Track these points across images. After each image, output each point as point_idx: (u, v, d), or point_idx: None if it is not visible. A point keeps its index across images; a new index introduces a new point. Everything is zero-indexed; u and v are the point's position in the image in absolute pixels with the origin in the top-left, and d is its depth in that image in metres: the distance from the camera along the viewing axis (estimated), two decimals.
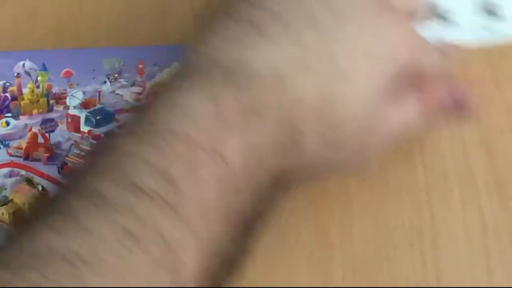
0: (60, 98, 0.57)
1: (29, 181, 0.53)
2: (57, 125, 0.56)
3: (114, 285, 0.37)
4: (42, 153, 0.54)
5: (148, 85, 0.57)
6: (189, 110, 0.40)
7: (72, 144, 0.55)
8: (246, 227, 0.42)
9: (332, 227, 0.55)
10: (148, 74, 0.57)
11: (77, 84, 0.57)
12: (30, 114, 0.56)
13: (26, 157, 0.54)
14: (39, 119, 0.56)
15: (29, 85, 0.58)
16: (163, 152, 0.39)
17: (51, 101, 0.57)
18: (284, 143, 0.42)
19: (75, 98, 0.57)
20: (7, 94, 0.57)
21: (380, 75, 0.44)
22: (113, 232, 0.38)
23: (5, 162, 0.54)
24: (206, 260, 0.39)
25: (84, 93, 0.57)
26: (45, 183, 0.53)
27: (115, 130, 0.56)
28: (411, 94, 0.47)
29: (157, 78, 0.57)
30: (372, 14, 0.45)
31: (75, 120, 0.56)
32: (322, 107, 0.42)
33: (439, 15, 0.60)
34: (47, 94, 0.57)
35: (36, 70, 0.58)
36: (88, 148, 0.54)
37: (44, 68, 0.58)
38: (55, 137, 0.55)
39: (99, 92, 0.57)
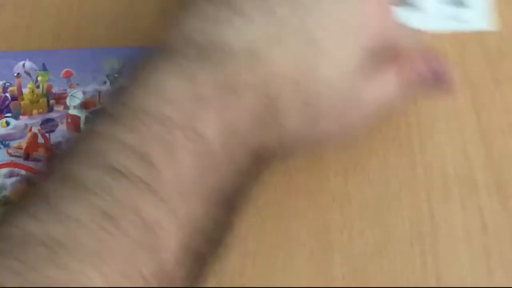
0: (60, 98, 0.57)
1: (29, 181, 0.53)
2: (57, 125, 0.56)
3: (94, 268, 0.37)
4: (42, 153, 0.54)
5: None
6: (164, 90, 0.40)
7: None
8: (228, 204, 0.42)
9: (332, 227, 0.55)
10: None
11: (77, 84, 0.57)
12: (30, 114, 0.56)
13: (26, 157, 0.54)
14: (39, 119, 0.56)
15: (29, 85, 0.58)
16: (139, 133, 0.39)
17: (51, 101, 0.57)
18: (263, 118, 0.42)
19: (75, 98, 0.57)
20: (7, 94, 0.57)
21: (355, 47, 0.44)
22: (91, 215, 0.37)
23: (5, 162, 0.54)
24: (187, 239, 0.39)
25: (84, 93, 0.57)
26: None
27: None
28: (389, 67, 0.47)
29: None
30: None
31: (75, 120, 0.56)
32: (299, 81, 0.42)
33: (407, 2, 0.60)
34: (47, 94, 0.57)
35: (36, 70, 0.58)
36: None
37: (44, 68, 0.58)
38: (55, 137, 0.55)
39: (99, 92, 0.57)
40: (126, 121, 0.40)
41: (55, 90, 0.57)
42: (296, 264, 0.54)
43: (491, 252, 0.54)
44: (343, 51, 0.44)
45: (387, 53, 0.46)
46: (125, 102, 0.41)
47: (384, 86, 0.47)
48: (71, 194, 0.38)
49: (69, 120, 0.56)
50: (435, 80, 0.49)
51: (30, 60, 0.59)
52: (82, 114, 0.55)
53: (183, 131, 0.39)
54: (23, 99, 0.57)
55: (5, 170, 0.54)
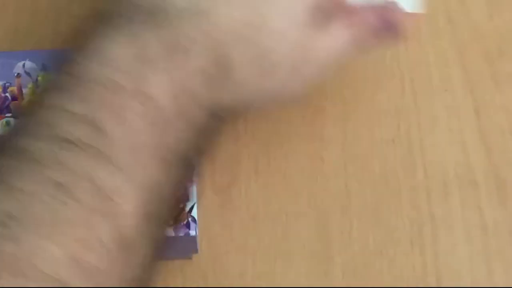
0: None
1: None
2: None
3: (51, 239, 0.36)
4: None
5: None
6: (110, 56, 0.40)
7: None
8: (184, 164, 0.42)
9: (332, 227, 0.55)
10: None
11: None
12: None
13: None
14: None
15: (30, 85, 0.58)
16: (88, 101, 0.39)
17: None
18: (214, 75, 0.41)
19: None
20: (7, 94, 0.57)
21: (303, 0, 0.44)
22: (43, 187, 0.37)
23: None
24: (145, 202, 0.39)
25: None
26: None
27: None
28: (340, 19, 0.47)
29: None
30: None
31: None
32: (248, 35, 0.42)
33: None
34: None
35: (36, 70, 0.58)
36: None
37: (44, 68, 0.58)
38: None
39: None
40: (74, 90, 0.40)
41: None
42: (296, 264, 0.54)
43: (491, 252, 0.54)
44: (290, 4, 0.44)
45: (337, 6, 0.46)
46: (71, 72, 0.40)
47: (336, 38, 0.46)
48: (22, 168, 0.38)
49: None
50: (387, 30, 0.49)
51: (30, 60, 0.59)
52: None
53: (133, 95, 0.39)
54: (23, 99, 0.57)
55: None
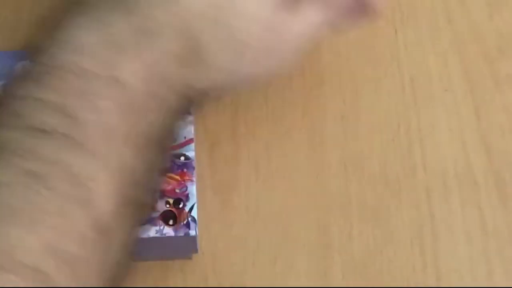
0: None
1: None
2: None
3: (26, 229, 0.36)
4: None
5: None
6: (79, 42, 0.40)
7: None
8: (158, 146, 0.42)
9: (332, 227, 0.55)
10: None
11: None
12: None
13: None
14: None
15: None
16: (59, 89, 0.39)
17: None
18: (186, 57, 0.41)
19: None
20: None
21: None
22: (18, 177, 0.37)
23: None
24: (121, 187, 0.39)
25: None
26: None
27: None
28: (311, 0, 0.47)
29: None
30: None
31: None
32: (217, 16, 0.42)
33: None
34: None
35: None
36: None
37: None
38: None
39: None
40: (45, 80, 0.40)
41: None
42: (296, 264, 0.54)
43: (491, 252, 0.54)
44: None
45: None
46: (42, 62, 0.41)
47: (308, 18, 0.46)
48: None
49: None
50: (359, 10, 0.49)
51: (30, 60, 0.59)
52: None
53: (104, 81, 0.39)
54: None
55: None
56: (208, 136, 0.58)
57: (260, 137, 0.58)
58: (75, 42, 0.40)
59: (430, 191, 0.56)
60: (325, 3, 0.47)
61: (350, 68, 0.61)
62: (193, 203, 0.51)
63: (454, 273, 0.53)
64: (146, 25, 0.41)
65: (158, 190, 0.44)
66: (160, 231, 0.50)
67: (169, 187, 0.52)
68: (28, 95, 0.39)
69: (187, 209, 0.51)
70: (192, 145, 0.54)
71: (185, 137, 0.54)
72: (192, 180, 0.52)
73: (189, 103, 0.43)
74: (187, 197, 0.52)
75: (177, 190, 0.52)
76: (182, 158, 0.53)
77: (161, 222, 0.51)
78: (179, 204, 0.51)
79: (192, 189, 0.52)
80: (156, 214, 0.51)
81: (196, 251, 0.52)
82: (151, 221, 0.51)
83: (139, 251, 0.52)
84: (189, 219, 0.51)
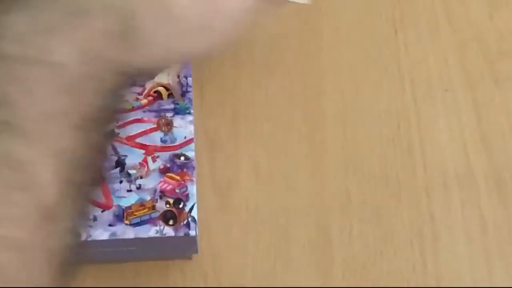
0: None
1: None
2: None
3: None
4: None
5: (148, 85, 0.57)
6: (11, 28, 0.40)
7: None
8: (97, 126, 0.42)
9: (332, 227, 0.55)
10: None
11: None
12: None
13: None
14: None
15: None
16: None
17: None
18: (119, 34, 0.41)
19: None
20: None
21: None
22: None
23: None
24: (62, 170, 0.39)
25: None
26: None
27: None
28: None
29: (157, 78, 0.57)
30: None
31: None
32: None
33: None
34: None
35: None
36: None
37: None
38: None
39: None
40: None
41: None
42: (296, 264, 0.54)
43: (491, 252, 0.54)
44: None
45: None
46: None
47: None
48: None
49: None
50: None
51: None
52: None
53: (39, 66, 0.39)
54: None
55: None
56: (208, 136, 0.58)
57: (260, 137, 0.58)
58: (7, 28, 0.40)
59: (430, 191, 0.56)
60: None
61: (350, 68, 0.61)
62: (193, 203, 0.51)
63: (454, 273, 0.53)
64: (77, 5, 0.41)
65: (102, 170, 0.44)
66: (160, 231, 0.50)
67: (169, 187, 0.52)
68: None
69: (187, 209, 0.51)
70: (192, 145, 0.54)
71: (185, 137, 0.54)
72: (192, 180, 0.52)
73: (129, 82, 0.43)
74: (187, 197, 0.52)
75: (177, 190, 0.52)
76: (182, 158, 0.53)
77: (161, 222, 0.51)
78: (179, 204, 0.51)
79: (192, 189, 0.52)
80: (156, 214, 0.51)
81: (196, 251, 0.52)
82: (151, 221, 0.51)
83: (139, 251, 0.52)
84: (189, 219, 0.51)
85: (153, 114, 0.56)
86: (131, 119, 0.56)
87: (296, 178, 0.56)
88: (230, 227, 0.55)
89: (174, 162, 0.53)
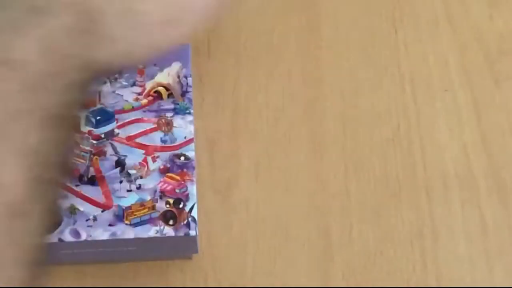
0: None
1: None
2: None
3: None
4: None
5: (148, 85, 0.57)
6: None
7: None
8: (64, 123, 0.42)
9: (332, 227, 0.55)
10: (148, 74, 0.57)
11: None
12: None
13: None
14: None
15: None
16: None
17: None
18: (80, 29, 0.41)
19: None
20: None
21: None
22: None
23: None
24: (30, 168, 0.39)
25: None
26: None
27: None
28: None
29: (157, 78, 0.57)
30: None
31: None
32: None
33: None
34: None
35: None
36: (88, 149, 0.54)
37: None
38: None
39: (99, 92, 0.57)
40: None
41: None
42: (296, 264, 0.54)
43: (491, 252, 0.54)
44: None
45: None
46: None
47: None
48: None
49: None
50: None
51: None
52: (82, 114, 0.55)
53: (1, 64, 0.39)
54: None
55: None
56: (208, 136, 0.58)
57: (260, 137, 0.58)
58: None
59: (430, 191, 0.56)
60: None
61: (350, 68, 0.61)
62: (193, 203, 0.51)
63: (454, 273, 0.53)
64: (38, 3, 0.41)
65: (70, 166, 0.44)
66: (160, 231, 0.50)
67: (169, 187, 0.52)
68: None
69: (187, 209, 0.51)
70: (192, 145, 0.54)
71: (185, 137, 0.54)
72: (192, 180, 0.52)
73: (94, 78, 0.43)
74: (187, 197, 0.52)
75: (177, 190, 0.52)
76: (182, 158, 0.53)
77: (161, 222, 0.51)
78: (179, 204, 0.51)
79: (192, 189, 0.52)
80: (156, 214, 0.51)
81: (196, 251, 0.52)
82: (151, 221, 0.51)
83: (139, 251, 0.52)
84: (189, 219, 0.51)
85: (153, 114, 0.56)
86: (131, 119, 0.56)
87: (296, 178, 0.56)
88: (230, 227, 0.55)
89: (174, 162, 0.53)
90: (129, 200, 0.52)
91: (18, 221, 0.38)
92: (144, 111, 0.56)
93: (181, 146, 0.54)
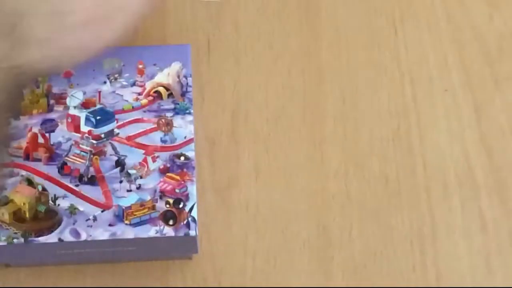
0: (60, 98, 0.57)
1: (29, 181, 0.53)
2: (57, 125, 0.56)
3: None
4: (42, 153, 0.54)
5: (148, 85, 0.57)
6: None
7: (72, 144, 0.55)
8: None
9: (332, 227, 0.55)
10: (148, 74, 0.57)
11: (77, 84, 0.57)
12: (30, 114, 0.56)
13: (26, 157, 0.54)
14: (39, 119, 0.56)
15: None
16: None
17: (51, 101, 0.57)
18: (7, 35, 0.41)
19: (75, 98, 0.57)
20: None
21: None
22: None
23: (6, 162, 0.54)
24: None
25: (84, 93, 0.57)
26: (45, 183, 0.53)
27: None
28: None
29: (157, 78, 0.57)
30: None
31: (75, 120, 0.56)
32: None
33: None
34: (47, 94, 0.57)
35: None
36: (88, 148, 0.54)
37: None
38: (55, 137, 0.55)
39: (99, 92, 0.57)
40: None
41: (55, 90, 0.57)
42: (296, 264, 0.54)
43: (491, 252, 0.54)
44: None
45: None
46: None
47: None
48: None
49: (69, 120, 0.56)
50: None
51: None
52: (82, 114, 0.55)
53: None
54: (23, 99, 0.57)
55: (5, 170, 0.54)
56: (208, 136, 0.58)
57: (260, 137, 0.58)
58: None
59: (430, 191, 0.56)
60: None
61: (350, 68, 0.61)
62: (193, 203, 0.51)
63: (454, 273, 0.53)
64: None
65: (3, 166, 0.44)
66: (160, 231, 0.50)
67: (169, 187, 0.52)
68: None
69: (187, 209, 0.51)
70: (192, 145, 0.54)
71: (185, 137, 0.54)
72: (192, 180, 0.52)
73: (23, 79, 0.43)
74: (187, 197, 0.52)
75: (177, 190, 0.52)
76: (182, 158, 0.53)
77: (161, 222, 0.51)
78: (179, 204, 0.51)
79: (192, 189, 0.52)
80: (156, 214, 0.51)
81: (196, 251, 0.52)
82: (151, 221, 0.51)
83: (139, 251, 0.52)
84: (189, 219, 0.51)
85: (153, 114, 0.56)
86: (131, 119, 0.56)
87: (296, 178, 0.56)
88: (230, 227, 0.55)
89: (174, 162, 0.53)
90: (129, 200, 0.52)
91: None
92: (144, 111, 0.56)
93: (181, 146, 0.54)
